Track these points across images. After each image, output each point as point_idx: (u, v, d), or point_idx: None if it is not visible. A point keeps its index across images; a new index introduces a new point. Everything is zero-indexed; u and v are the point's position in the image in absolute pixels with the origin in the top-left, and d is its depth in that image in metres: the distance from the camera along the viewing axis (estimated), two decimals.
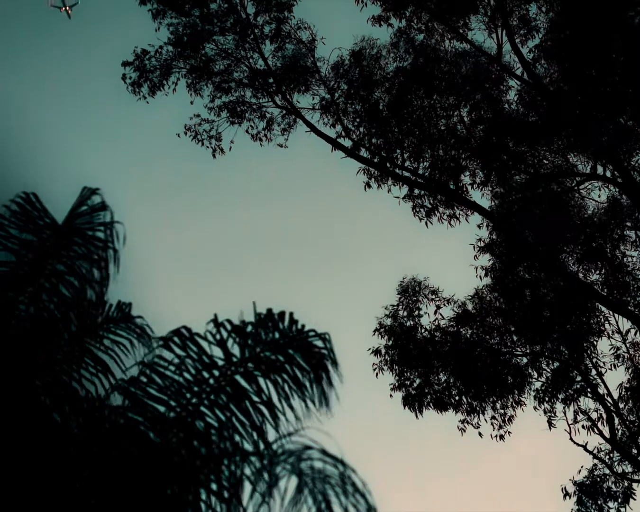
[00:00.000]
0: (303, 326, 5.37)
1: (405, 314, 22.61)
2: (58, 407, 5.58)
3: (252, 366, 5.45)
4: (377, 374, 22.36)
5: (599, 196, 22.40)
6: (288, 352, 5.42)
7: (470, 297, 22.84)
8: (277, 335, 5.45)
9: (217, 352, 5.55)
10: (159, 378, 5.45)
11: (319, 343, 5.36)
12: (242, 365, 5.46)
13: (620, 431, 21.99)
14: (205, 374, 5.51)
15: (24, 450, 5.21)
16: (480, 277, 22.55)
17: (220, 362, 5.51)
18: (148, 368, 5.53)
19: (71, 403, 5.63)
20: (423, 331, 22.49)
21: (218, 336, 5.47)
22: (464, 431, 22.60)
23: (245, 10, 23.51)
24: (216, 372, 5.52)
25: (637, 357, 22.31)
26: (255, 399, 5.50)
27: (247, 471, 5.35)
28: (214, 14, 23.11)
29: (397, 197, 22.79)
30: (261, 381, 5.52)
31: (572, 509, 21.44)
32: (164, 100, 23.76)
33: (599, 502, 21.36)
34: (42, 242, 5.61)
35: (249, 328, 5.48)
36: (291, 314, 5.33)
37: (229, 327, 5.33)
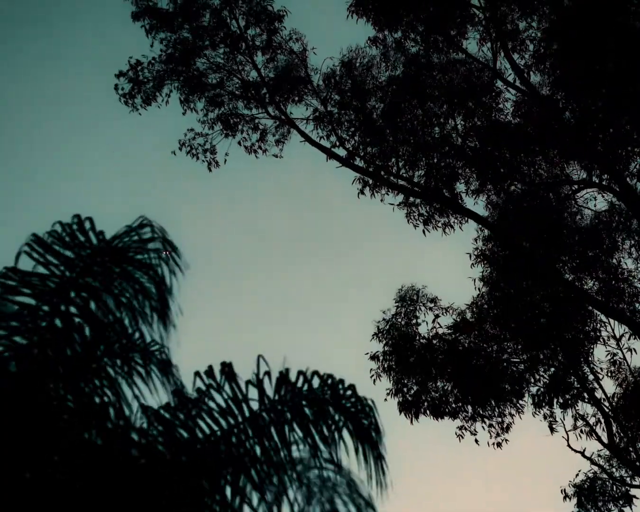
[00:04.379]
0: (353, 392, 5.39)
1: (403, 322, 22.71)
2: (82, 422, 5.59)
3: (289, 416, 5.45)
4: (374, 381, 22.47)
5: (595, 205, 22.59)
6: (324, 408, 5.41)
7: (468, 305, 22.99)
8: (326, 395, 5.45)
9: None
10: (193, 407, 5.46)
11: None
12: (276, 412, 5.45)
13: (618, 437, 22.10)
14: (238, 416, 5.50)
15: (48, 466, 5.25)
16: (478, 289, 22.83)
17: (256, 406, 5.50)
18: (179, 396, 5.55)
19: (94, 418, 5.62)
20: (421, 338, 22.58)
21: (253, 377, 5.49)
22: (462, 437, 22.78)
23: (237, 21, 23.49)
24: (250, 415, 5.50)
25: (633, 363, 22.47)
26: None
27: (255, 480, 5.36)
28: (205, 29, 23.07)
29: (392, 205, 22.90)
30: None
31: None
32: (156, 112, 23.70)
33: (599, 504, 21.52)
34: (81, 259, 5.56)
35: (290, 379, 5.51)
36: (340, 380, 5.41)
37: (276, 376, 5.38)
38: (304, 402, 5.30)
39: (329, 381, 5.35)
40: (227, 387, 5.46)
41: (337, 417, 5.26)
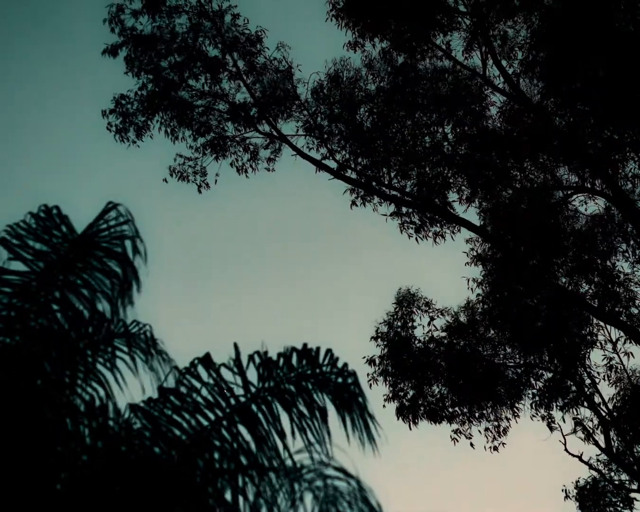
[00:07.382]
0: (332, 359, 5.37)
1: (399, 324, 22.71)
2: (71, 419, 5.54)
3: (270, 398, 5.43)
4: (370, 385, 22.38)
5: (586, 210, 22.63)
6: (304, 386, 5.40)
7: (463, 309, 22.99)
8: (306, 370, 5.43)
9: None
10: (178, 401, 5.42)
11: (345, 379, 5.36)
12: (259, 396, 5.44)
13: (616, 441, 22.05)
14: (222, 403, 5.48)
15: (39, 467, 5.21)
16: (471, 289, 22.81)
17: (240, 392, 5.47)
18: (167, 392, 5.50)
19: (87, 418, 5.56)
20: (417, 342, 22.55)
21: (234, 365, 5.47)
22: (457, 440, 22.71)
23: (225, 46, 23.37)
24: (234, 402, 5.47)
25: (629, 367, 22.44)
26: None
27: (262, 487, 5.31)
28: (181, 64, 22.89)
29: (385, 215, 22.87)
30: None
31: None
32: (146, 141, 23.58)
33: (601, 504, 21.47)
34: (57, 252, 5.55)
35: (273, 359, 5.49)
36: (316, 348, 5.37)
37: (257, 360, 5.35)
38: (284, 380, 5.29)
39: (306, 352, 5.33)
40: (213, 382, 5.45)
41: (316, 387, 5.25)
